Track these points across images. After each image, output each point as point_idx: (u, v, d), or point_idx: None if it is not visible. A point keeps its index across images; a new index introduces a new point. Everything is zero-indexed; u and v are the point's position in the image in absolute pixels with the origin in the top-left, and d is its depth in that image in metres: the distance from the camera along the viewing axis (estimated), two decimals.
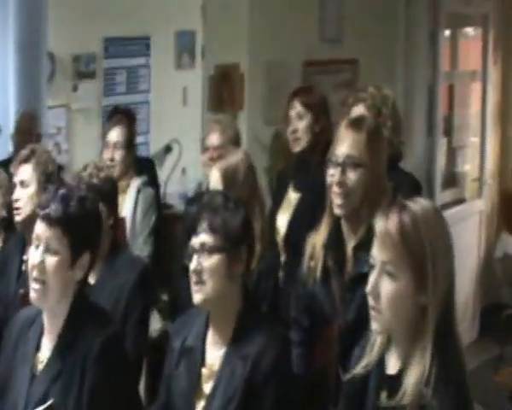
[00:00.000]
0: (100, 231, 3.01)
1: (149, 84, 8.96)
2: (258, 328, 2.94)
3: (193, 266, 2.92)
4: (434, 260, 2.22)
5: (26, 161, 4.25)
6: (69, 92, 8.40)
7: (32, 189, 4.20)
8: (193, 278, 2.92)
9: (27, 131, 6.40)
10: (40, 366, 2.85)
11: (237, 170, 4.00)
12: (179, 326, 3.17)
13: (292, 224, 4.64)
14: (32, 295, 2.82)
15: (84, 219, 2.85)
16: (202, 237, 2.92)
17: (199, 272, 2.90)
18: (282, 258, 4.47)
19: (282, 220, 4.71)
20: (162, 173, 7.16)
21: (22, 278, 4.00)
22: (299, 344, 3.46)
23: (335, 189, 3.20)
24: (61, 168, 4.46)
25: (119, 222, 4.39)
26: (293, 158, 4.85)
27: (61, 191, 2.85)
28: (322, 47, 7.33)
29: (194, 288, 2.92)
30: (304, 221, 4.34)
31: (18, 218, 4.23)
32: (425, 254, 2.22)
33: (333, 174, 3.22)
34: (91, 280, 3.53)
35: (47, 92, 7.47)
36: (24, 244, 4.16)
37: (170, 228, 5.68)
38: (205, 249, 2.90)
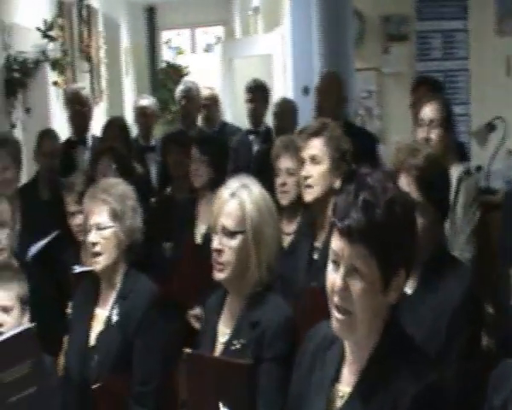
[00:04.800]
0: (415, 239, 2.31)
1: (468, 50, 8.30)
2: None
3: None
4: None
5: (317, 134, 3.75)
6: (380, 55, 8.14)
7: (325, 166, 3.71)
8: None
9: (330, 92, 5.91)
10: (339, 403, 2.31)
11: None
12: (498, 380, 2.33)
13: None
14: (336, 325, 2.24)
15: (396, 230, 2.18)
16: None
17: None
18: None
19: None
20: (484, 153, 6.40)
21: (313, 267, 3.55)
22: None
23: None
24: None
25: None
26: None
27: (363, 195, 2.17)
28: None
29: None
30: None
31: (307, 197, 3.75)
32: None
33: None
34: (408, 290, 2.94)
35: (354, 54, 7.10)
36: (314, 227, 3.70)
37: (491, 219, 4.76)
38: None
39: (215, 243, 3.01)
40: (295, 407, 2.45)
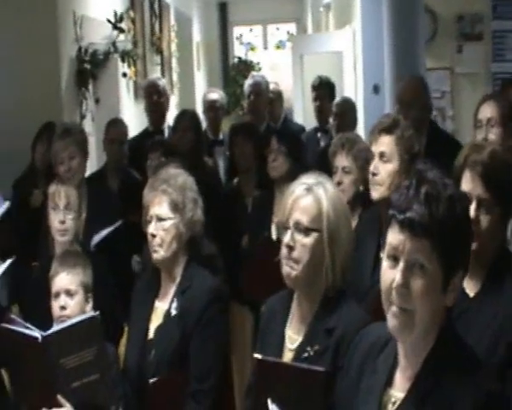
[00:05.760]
0: (471, 240, 2.22)
1: None
2: None
3: None
4: None
5: (388, 131, 3.63)
6: (453, 54, 7.99)
7: (394, 165, 3.59)
8: None
9: (414, 104, 5.41)
10: (391, 408, 2.22)
11: None
12: None
13: None
14: (393, 323, 2.13)
15: (457, 226, 2.10)
16: None
17: None
18: None
19: None
20: None
21: (379, 265, 3.44)
22: None
23: None
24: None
25: None
26: None
27: (425, 189, 2.09)
28: None
29: None
30: None
31: (374, 194, 3.64)
32: None
33: None
34: (470, 292, 2.83)
35: (426, 53, 6.98)
36: (380, 223, 3.54)
37: None
38: None
39: (286, 239, 2.85)
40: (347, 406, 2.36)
